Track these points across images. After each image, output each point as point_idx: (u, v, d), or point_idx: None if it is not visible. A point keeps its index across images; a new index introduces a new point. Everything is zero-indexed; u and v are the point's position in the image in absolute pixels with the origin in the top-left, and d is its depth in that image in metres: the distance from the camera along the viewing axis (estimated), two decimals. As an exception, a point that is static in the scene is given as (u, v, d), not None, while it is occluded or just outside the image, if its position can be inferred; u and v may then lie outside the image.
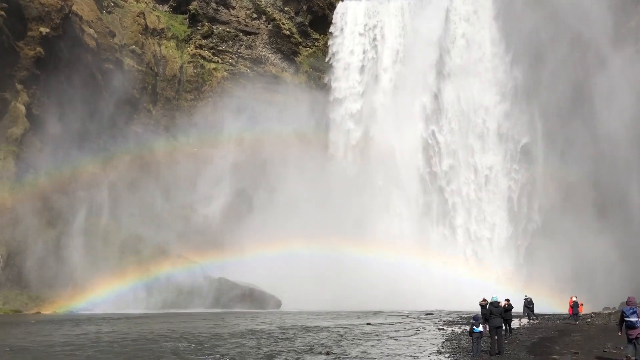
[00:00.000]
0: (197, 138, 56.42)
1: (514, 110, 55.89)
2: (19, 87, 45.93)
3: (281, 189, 54.44)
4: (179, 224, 51.56)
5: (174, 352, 18.18)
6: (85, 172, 49.59)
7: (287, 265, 48.79)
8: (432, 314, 39.75)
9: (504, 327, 20.97)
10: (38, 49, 46.39)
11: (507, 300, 23.54)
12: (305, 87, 62.55)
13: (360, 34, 61.80)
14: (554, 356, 17.85)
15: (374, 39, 61.29)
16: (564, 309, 37.77)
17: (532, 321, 32.52)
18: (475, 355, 17.58)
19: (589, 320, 33.07)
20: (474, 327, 17.61)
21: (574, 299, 32.00)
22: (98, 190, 49.57)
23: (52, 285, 43.71)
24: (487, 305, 19.00)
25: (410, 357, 17.53)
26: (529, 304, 33.57)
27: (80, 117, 47.75)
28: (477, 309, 20.88)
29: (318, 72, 63.18)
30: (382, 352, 18.69)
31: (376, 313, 41.83)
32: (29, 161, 46.35)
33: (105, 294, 44.53)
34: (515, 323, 31.40)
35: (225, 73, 60.13)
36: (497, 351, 17.73)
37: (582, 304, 33.91)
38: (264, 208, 53.24)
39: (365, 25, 61.88)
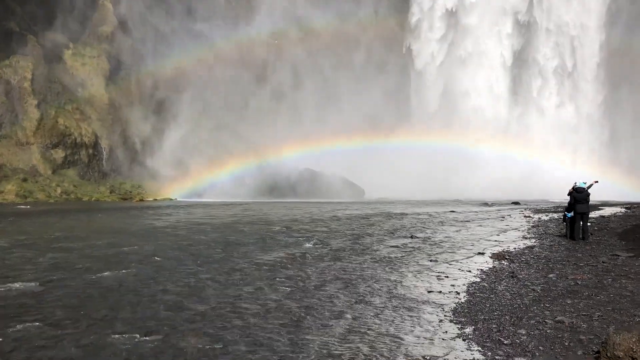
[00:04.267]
0: (270, 31, 55.78)
1: None
2: (105, -16, 46.92)
3: (359, 78, 53.57)
4: (268, 117, 52.76)
5: (269, 234, 19.42)
6: (171, 68, 51.20)
7: (367, 156, 49.30)
8: (518, 203, 39.33)
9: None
10: (119, -57, 46.67)
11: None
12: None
13: None
14: (647, 242, 17.36)
15: None
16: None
17: None
18: (568, 238, 17.81)
19: (689, 209, 31.54)
20: (566, 212, 17.85)
21: None
22: (190, 84, 51.24)
23: (153, 175, 47.10)
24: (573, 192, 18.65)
25: (495, 242, 17.68)
26: None
27: (161, 14, 48.44)
28: (564, 198, 20.61)
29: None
30: (466, 237, 18.95)
31: (459, 202, 41.91)
32: (121, 58, 48.34)
33: (202, 183, 47.49)
34: (609, 211, 30.60)
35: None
36: (581, 236, 17.61)
37: None
38: (341, 100, 52.95)
39: None
